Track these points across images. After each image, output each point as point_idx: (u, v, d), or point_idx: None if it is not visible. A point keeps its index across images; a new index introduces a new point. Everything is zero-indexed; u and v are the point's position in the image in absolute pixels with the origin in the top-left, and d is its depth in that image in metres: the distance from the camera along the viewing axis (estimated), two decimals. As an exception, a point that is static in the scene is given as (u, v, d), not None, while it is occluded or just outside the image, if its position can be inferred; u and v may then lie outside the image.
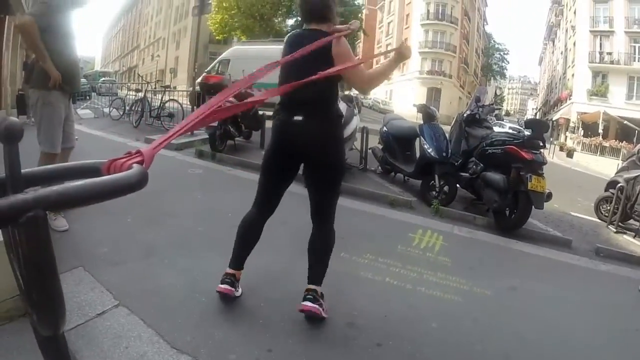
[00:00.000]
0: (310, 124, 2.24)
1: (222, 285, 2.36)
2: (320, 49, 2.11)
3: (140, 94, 10.70)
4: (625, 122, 25.47)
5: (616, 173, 7.08)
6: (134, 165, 0.73)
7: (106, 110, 11.93)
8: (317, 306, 2.27)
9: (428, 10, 42.61)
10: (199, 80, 9.71)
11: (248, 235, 2.44)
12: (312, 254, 2.39)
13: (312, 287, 2.33)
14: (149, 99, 10.46)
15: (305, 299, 2.28)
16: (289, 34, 2.46)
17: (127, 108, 10.79)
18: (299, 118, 2.24)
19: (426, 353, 2.21)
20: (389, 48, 46.82)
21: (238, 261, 2.43)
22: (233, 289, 2.39)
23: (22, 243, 0.64)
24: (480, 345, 2.35)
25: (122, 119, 10.61)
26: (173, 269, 2.74)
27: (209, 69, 14.84)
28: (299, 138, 2.27)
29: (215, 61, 15.32)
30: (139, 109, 10.14)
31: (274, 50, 9.98)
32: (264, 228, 2.47)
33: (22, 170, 0.70)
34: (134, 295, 2.34)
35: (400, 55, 2.30)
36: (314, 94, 2.18)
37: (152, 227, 3.43)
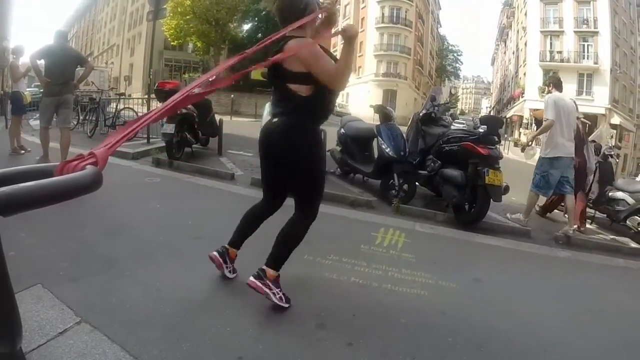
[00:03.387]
0: (278, 125, 2.37)
1: (214, 253, 2.62)
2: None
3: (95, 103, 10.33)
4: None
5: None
6: (88, 166, 0.69)
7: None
8: (260, 285, 2.35)
9: (383, 14, 43.34)
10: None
11: (247, 219, 2.68)
12: (277, 237, 2.47)
13: (263, 267, 2.40)
14: (103, 108, 10.12)
15: (252, 275, 2.39)
16: None
17: (81, 117, 10.38)
18: (274, 120, 2.40)
19: (398, 349, 2.21)
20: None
21: (233, 239, 2.65)
22: (222, 260, 2.62)
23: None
24: (452, 337, 2.38)
25: (76, 129, 10.13)
26: (135, 281, 2.63)
27: None
28: (270, 138, 2.41)
29: None
30: (93, 118, 9.80)
31: None
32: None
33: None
34: (97, 311, 2.23)
35: (344, 34, 2.24)
36: (287, 99, 2.35)
37: (111, 239, 3.29)
